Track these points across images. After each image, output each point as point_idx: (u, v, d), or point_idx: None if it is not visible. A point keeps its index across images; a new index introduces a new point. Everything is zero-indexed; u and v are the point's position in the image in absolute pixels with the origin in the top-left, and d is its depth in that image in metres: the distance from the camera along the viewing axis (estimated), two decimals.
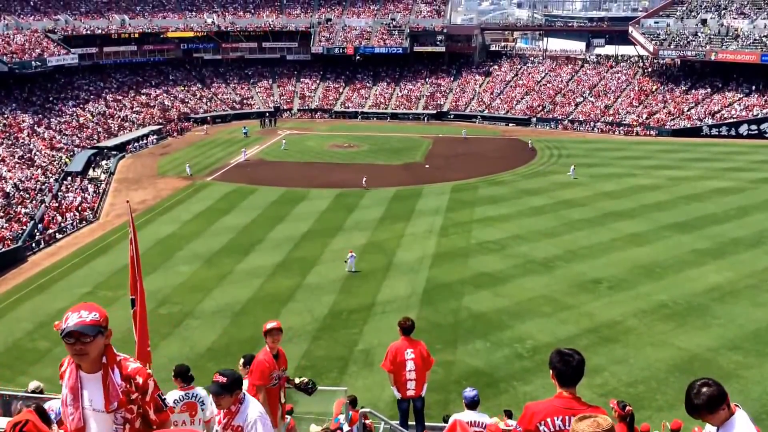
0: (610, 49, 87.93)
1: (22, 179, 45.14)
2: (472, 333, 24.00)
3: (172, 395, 7.25)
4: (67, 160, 52.32)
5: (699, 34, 71.83)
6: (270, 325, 7.86)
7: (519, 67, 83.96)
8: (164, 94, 77.24)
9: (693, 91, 71.39)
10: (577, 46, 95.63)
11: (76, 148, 56.17)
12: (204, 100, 79.47)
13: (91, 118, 65.19)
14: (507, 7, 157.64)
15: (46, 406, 5.56)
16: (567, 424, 4.00)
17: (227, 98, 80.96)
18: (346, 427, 8.76)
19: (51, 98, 65.24)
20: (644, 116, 68.97)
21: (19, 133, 54.62)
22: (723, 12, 73.62)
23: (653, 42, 72.62)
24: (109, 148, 57.78)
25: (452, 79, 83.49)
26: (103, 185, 47.78)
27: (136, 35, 78.13)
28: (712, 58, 68.90)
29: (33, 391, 9.55)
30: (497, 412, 14.80)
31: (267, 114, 76.41)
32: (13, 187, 43.12)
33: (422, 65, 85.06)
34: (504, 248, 33.10)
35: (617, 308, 25.75)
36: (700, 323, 24.44)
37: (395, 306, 26.30)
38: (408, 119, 76.97)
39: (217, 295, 28.09)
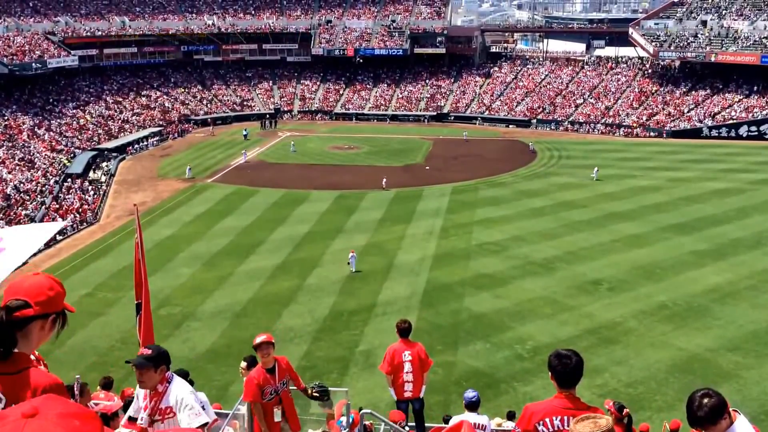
0: (610, 51, 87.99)
1: (23, 181, 45.18)
2: (473, 334, 24.02)
3: None
4: (67, 162, 52.33)
5: (699, 35, 71.90)
6: (259, 339, 7.39)
7: (519, 68, 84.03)
8: (164, 96, 77.31)
9: (693, 92, 71.44)
10: (577, 48, 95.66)
11: (76, 150, 56.19)
12: (204, 101, 79.54)
13: (91, 119, 65.24)
14: (507, 9, 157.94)
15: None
16: (565, 424, 4.03)
17: (228, 100, 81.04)
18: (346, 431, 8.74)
19: (51, 100, 65.30)
20: (644, 118, 69.02)
21: (20, 135, 54.65)
22: (723, 13, 73.68)
23: (653, 43, 72.69)
24: (110, 150, 57.85)
25: (452, 80, 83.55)
26: (103, 187, 47.82)
27: (136, 37, 78.28)
28: (712, 59, 68.96)
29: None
30: (498, 413, 14.84)
31: (267, 116, 76.45)
32: (13, 189, 43.17)
33: (422, 67, 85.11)
34: (504, 250, 33.13)
35: (617, 309, 25.77)
36: (700, 324, 24.46)
37: (396, 307, 26.32)
38: (408, 121, 77.07)
39: (218, 297, 28.10)
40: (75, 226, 39.56)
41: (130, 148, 61.03)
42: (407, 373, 9.44)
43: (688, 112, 68.34)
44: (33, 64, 62.89)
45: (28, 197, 42.56)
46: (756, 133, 62.92)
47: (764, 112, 64.43)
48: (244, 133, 66.48)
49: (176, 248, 34.70)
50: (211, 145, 63.94)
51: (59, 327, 2.88)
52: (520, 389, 20.16)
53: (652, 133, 66.34)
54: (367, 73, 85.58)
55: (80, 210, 41.94)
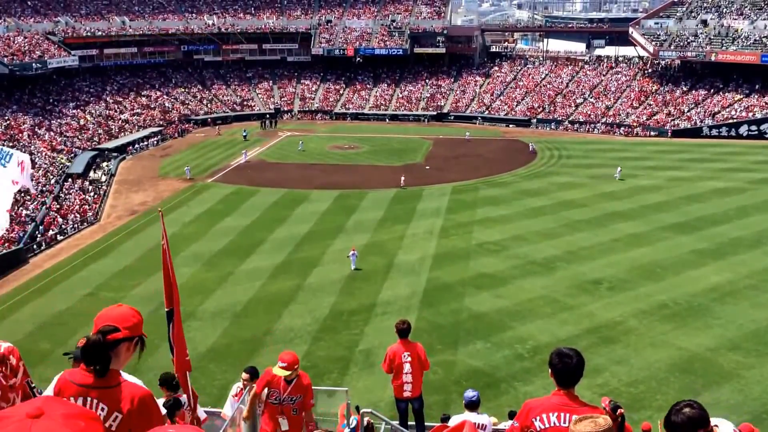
0: (610, 50, 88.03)
1: None
2: (473, 334, 24.03)
3: (158, 402, 7.17)
4: (67, 161, 52.37)
5: (699, 34, 71.87)
6: (286, 358, 7.15)
7: (519, 68, 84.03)
8: (165, 96, 77.33)
9: (693, 91, 71.43)
10: (577, 47, 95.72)
11: (76, 150, 56.22)
12: (204, 101, 79.57)
13: (91, 119, 65.26)
14: (507, 8, 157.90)
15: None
16: (562, 421, 4.03)
17: (228, 100, 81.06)
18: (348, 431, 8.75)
19: (51, 100, 65.32)
20: (644, 117, 69.02)
21: (20, 135, 54.68)
22: (723, 13, 73.65)
23: (653, 43, 72.68)
24: (110, 150, 57.87)
25: (452, 80, 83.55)
26: (103, 187, 47.85)
27: (136, 37, 78.30)
28: (712, 58, 68.95)
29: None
30: (498, 412, 14.83)
31: (267, 115, 76.48)
32: None
33: (422, 66, 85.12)
34: (504, 249, 33.14)
35: (617, 309, 25.79)
36: (700, 323, 24.47)
37: (396, 307, 26.33)
38: (408, 120, 77.07)
39: (218, 296, 28.11)
40: (76, 226, 39.59)
41: (131, 148, 61.06)
42: (407, 374, 9.49)
43: (688, 111, 68.33)
44: (33, 64, 62.93)
45: (28, 197, 42.54)
46: (756, 132, 62.91)
47: (764, 112, 64.41)
48: (244, 133, 66.50)
49: (177, 248, 34.65)
50: (212, 145, 63.95)
51: (140, 349, 3.45)
52: (520, 389, 20.15)
53: (653, 133, 66.33)
54: (367, 73, 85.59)
55: (80, 210, 41.96)
